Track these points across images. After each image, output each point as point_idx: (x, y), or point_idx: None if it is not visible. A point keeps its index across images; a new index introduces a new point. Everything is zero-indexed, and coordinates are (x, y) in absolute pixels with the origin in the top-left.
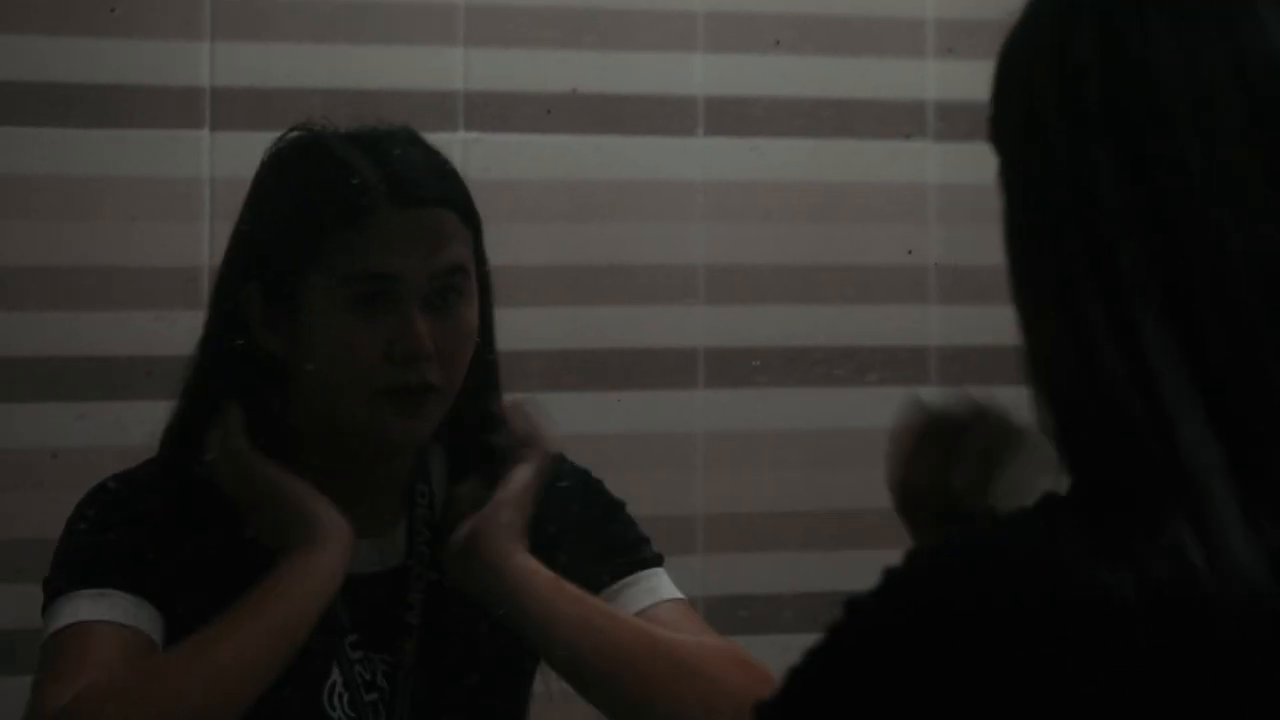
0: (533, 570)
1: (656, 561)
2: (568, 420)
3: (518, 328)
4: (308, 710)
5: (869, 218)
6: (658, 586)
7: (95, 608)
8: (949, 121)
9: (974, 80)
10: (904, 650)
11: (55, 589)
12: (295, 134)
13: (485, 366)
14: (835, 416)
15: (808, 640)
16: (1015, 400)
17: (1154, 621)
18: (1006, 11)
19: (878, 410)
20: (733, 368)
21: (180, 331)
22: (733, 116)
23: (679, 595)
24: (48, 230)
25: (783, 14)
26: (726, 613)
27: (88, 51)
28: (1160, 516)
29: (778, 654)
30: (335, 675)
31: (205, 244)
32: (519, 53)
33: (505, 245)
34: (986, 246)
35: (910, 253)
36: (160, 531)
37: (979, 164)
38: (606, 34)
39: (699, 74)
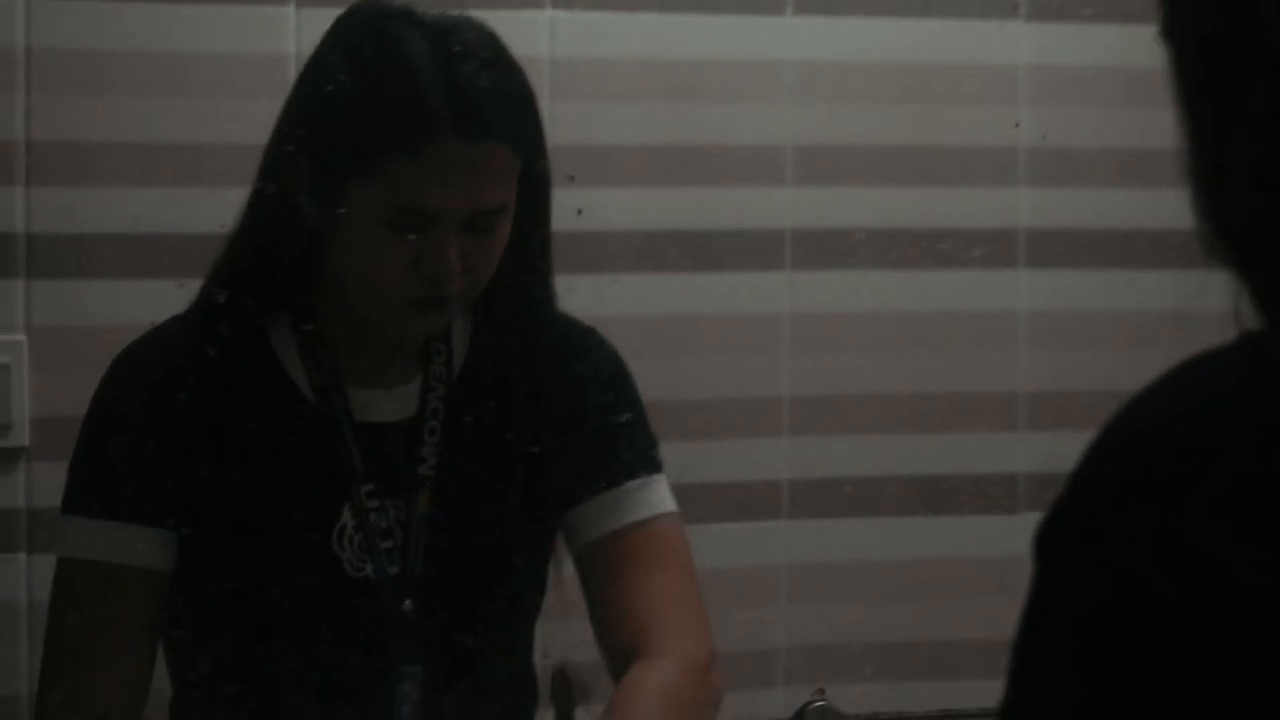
0: None
1: (659, 468)
2: (655, 302)
3: (605, 208)
4: (315, 550)
5: (956, 99)
6: (657, 497)
7: (103, 544)
8: (1040, 1)
9: None
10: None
11: (68, 502)
12: (372, 8)
13: (534, 252)
14: (923, 299)
15: (888, 523)
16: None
17: None
18: None
19: (967, 293)
20: (820, 249)
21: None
22: None
23: (675, 509)
24: (136, 106)
25: None
26: (813, 494)
27: None
28: None
29: (866, 534)
30: (346, 519)
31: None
32: None
33: (591, 125)
34: (1074, 127)
35: (1018, 126)
36: (179, 403)
37: (1071, 44)
38: None
39: None
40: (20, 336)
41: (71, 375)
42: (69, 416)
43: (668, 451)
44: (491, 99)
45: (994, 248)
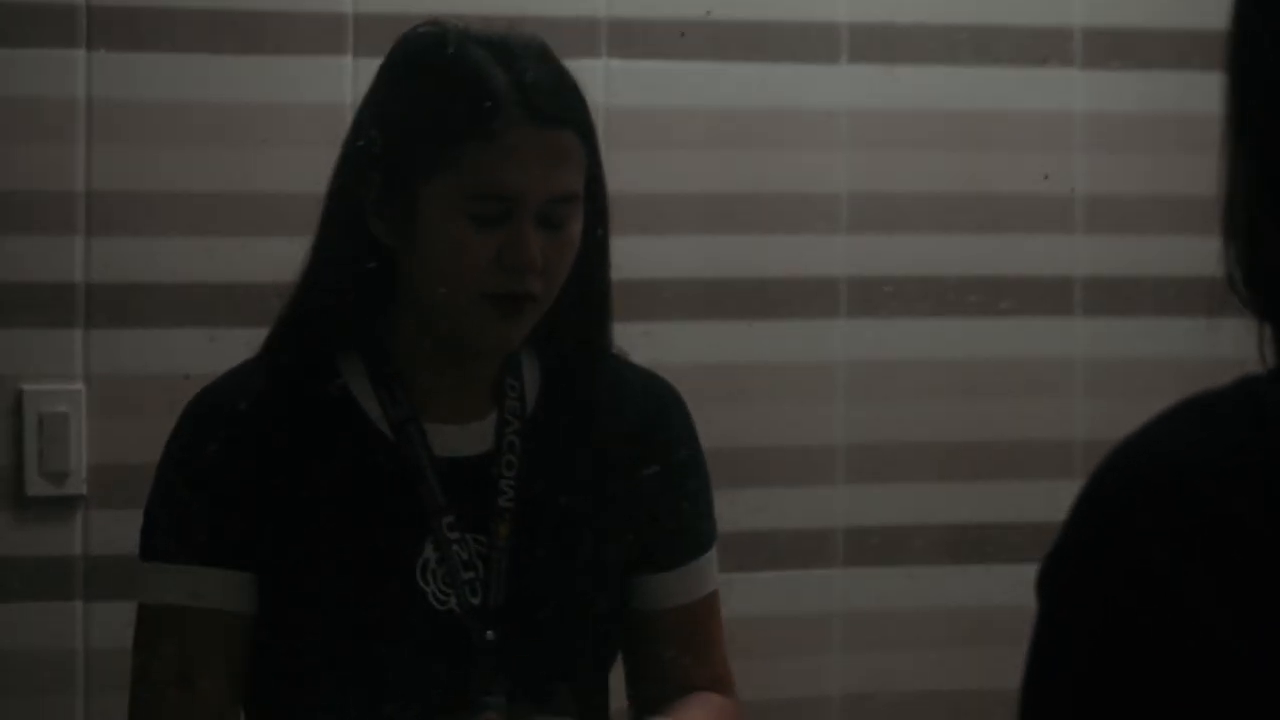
0: None
1: (714, 538)
2: (710, 349)
3: (659, 256)
4: (401, 584)
5: (1012, 146)
6: (716, 569)
7: (184, 589)
8: (1094, 48)
9: (1118, 6)
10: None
11: (147, 548)
12: (426, 29)
13: (595, 287)
14: (976, 346)
15: (943, 571)
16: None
17: None
18: None
19: (1019, 341)
20: (874, 297)
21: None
22: (876, 43)
23: (717, 585)
24: (197, 156)
25: None
26: (867, 541)
27: None
28: None
29: (912, 585)
30: (429, 552)
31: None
32: None
33: (646, 173)
34: (1129, 175)
35: (1047, 178)
36: (255, 445)
37: (1123, 91)
38: None
39: (843, 1)
40: (79, 385)
41: (129, 424)
42: (126, 464)
43: (723, 498)
44: (553, 87)
45: (1050, 295)
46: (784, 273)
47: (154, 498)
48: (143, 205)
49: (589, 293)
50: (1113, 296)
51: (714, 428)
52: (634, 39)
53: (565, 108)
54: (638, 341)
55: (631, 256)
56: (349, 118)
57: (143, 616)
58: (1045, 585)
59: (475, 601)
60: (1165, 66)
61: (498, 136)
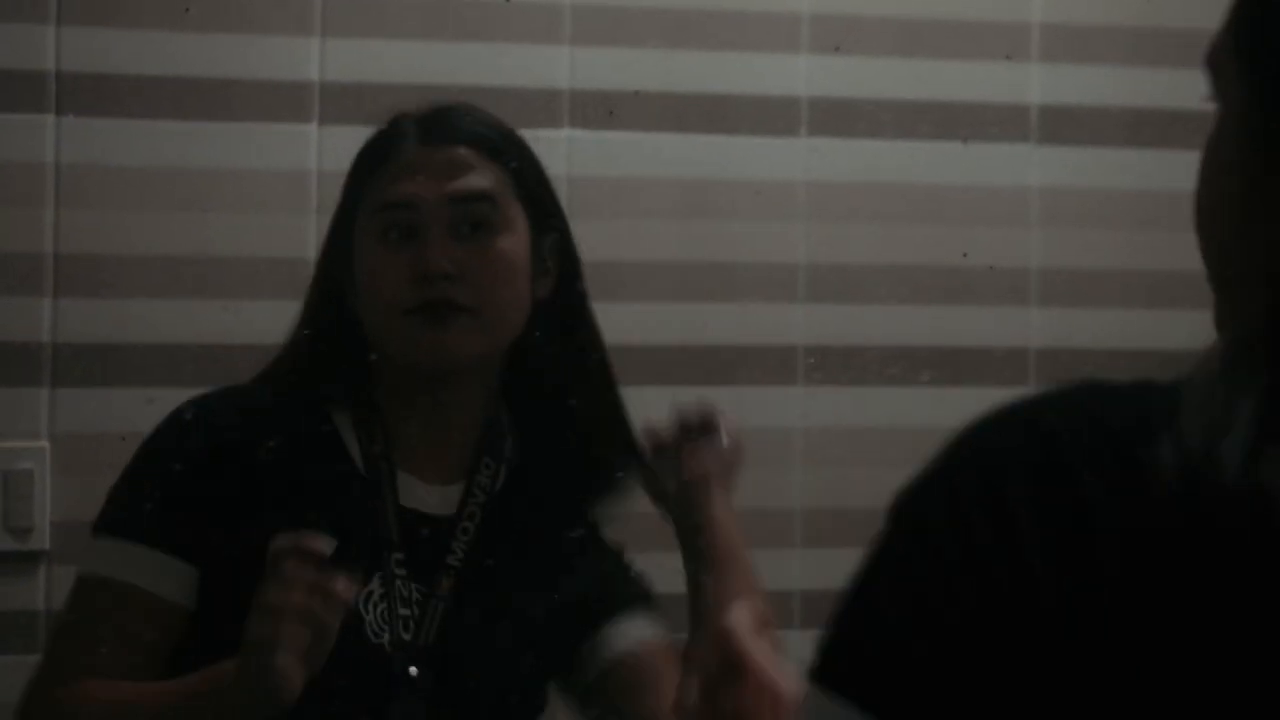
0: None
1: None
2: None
3: (622, 323)
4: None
5: (968, 220)
6: (648, 627)
7: (125, 563)
8: (1052, 125)
9: (1076, 84)
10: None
11: (98, 524)
12: None
13: (584, 361)
14: (933, 415)
15: None
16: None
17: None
18: (1113, 18)
19: (976, 410)
20: (833, 365)
21: (288, 320)
22: (836, 118)
23: (661, 638)
24: (161, 220)
25: (887, 17)
26: (822, 608)
27: (204, 47)
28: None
29: None
30: (375, 585)
31: (312, 236)
32: (625, 51)
33: (608, 242)
34: (1086, 249)
35: (992, 268)
36: (231, 449)
37: (1080, 168)
38: (712, 35)
39: (803, 75)
40: (44, 443)
41: (92, 481)
42: (88, 520)
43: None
44: (454, 115)
45: (1005, 366)
46: (743, 341)
47: (119, 481)
48: (108, 268)
49: (584, 372)
50: (1066, 367)
51: None
52: (596, 110)
53: (462, 129)
54: None
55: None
56: (313, 185)
57: (76, 584)
58: (895, 508)
59: (407, 638)
60: (1118, 144)
61: (396, 157)
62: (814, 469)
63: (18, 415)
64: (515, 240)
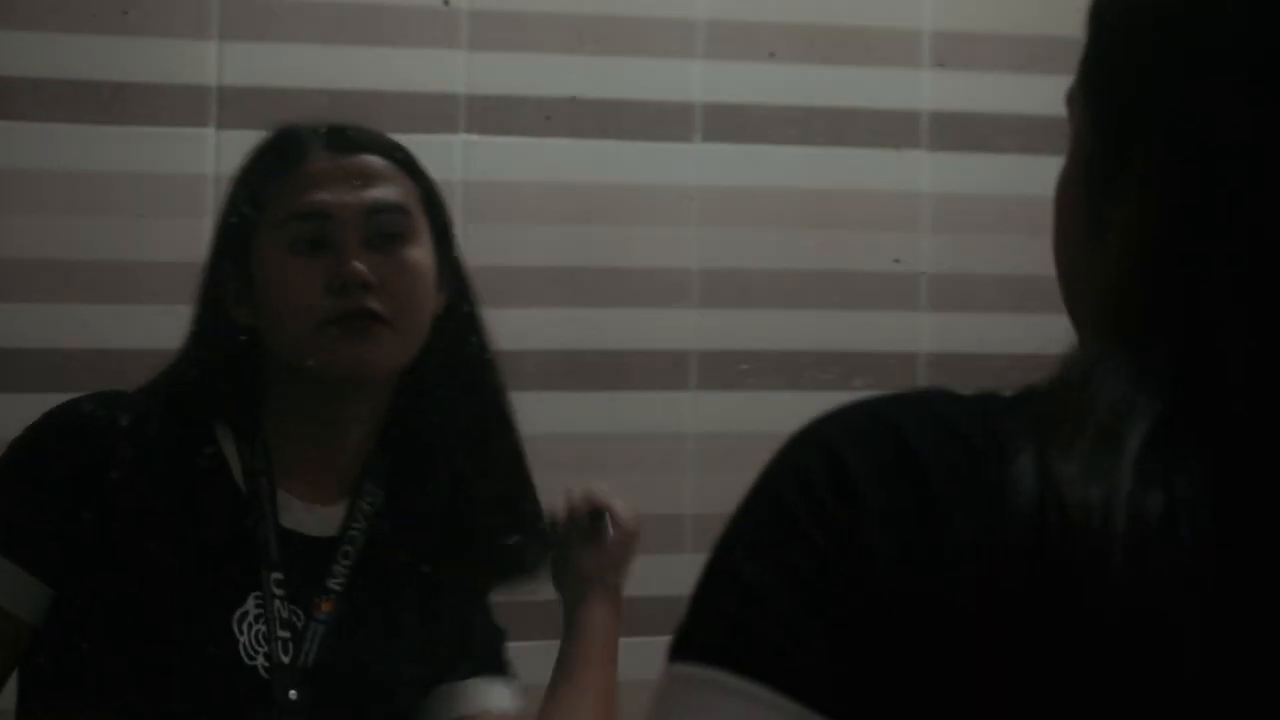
0: (602, 626)
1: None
2: (563, 420)
3: (515, 328)
4: (211, 629)
5: (860, 225)
6: (499, 696)
7: None
8: (941, 132)
9: (965, 91)
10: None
11: None
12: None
13: (465, 363)
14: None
15: None
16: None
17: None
18: (998, 26)
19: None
20: (724, 370)
21: (184, 325)
22: (729, 123)
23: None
24: (57, 224)
25: (779, 23)
26: None
27: (100, 50)
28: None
29: None
30: (250, 605)
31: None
32: (520, 57)
33: (502, 246)
34: (973, 255)
35: (898, 261)
36: (102, 462)
37: (969, 174)
38: (606, 40)
39: (697, 81)
40: None
41: None
42: None
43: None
44: (362, 129)
45: (895, 370)
46: (637, 345)
47: None
48: (3, 272)
49: (454, 360)
50: (955, 371)
51: (558, 499)
52: (491, 116)
53: (370, 139)
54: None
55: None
56: (211, 189)
57: None
58: (756, 483)
59: (285, 660)
60: (1010, 150)
61: (303, 166)
62: (706, 474)
63: None
64: (423, 252)
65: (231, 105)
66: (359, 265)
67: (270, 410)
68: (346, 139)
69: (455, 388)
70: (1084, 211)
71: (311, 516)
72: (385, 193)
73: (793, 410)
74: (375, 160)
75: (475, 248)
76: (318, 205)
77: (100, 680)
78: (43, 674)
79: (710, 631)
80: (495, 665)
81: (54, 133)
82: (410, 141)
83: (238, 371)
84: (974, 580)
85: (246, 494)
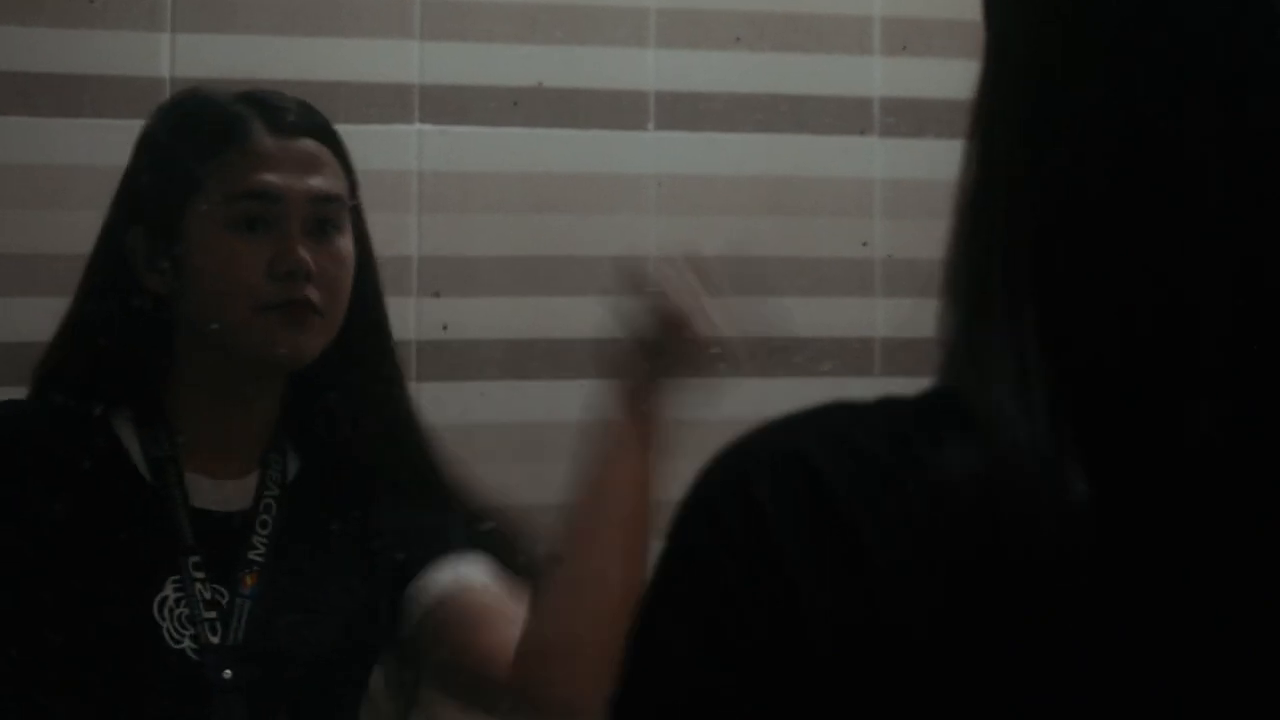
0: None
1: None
2: (522, 410)
3: (474, 317)
4: (133, 618)
5: (818, 212)
6: (469, 567)
7: None
8: (895, 118)
9: (919, 77)
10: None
11: None
12: (174, 95)
13: (366, 341)
14: (783, 405)
15: None
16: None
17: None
18: (950, 12)
19: (824, 399)
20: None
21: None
22: (685, 111)
23: (488, 581)
24: (13, 218)
25: (736, 11)
26: None
27: (54, 42)
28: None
29: None
30: (169, 591)
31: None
32: (475, 46)
33: (457, 236)
34: (930, 240)
35: (865, 244)
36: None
37: (923, 159)
38: (561, 29)
39: (652, 69)
40: None
41: None
42: None
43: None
44: (299, 108)
45: (851, 357)
46: (593, 335)
47: None
48: None
49: (360, 346)
50: (911, 356)
51: (524, 486)
52: (446, 105)
53: (309, 121)
54: (451, 405)
55: (441, 322)
56: None
57: None
58: (671, 530)
59: (215, 640)
60: (961, 136)
61: (248, 144)
62: (676, 463)
63: None
64: (349, 242)
65: None
66: (304, 254)
67: (177, 385)
68: (289, 120)
69: (355, 358)
70: (962, 203)
71: (222, 493)
72: (326, 182)
73: (750, 399)
74: (315, 146)
75: (432, 238)
76: (268, 186)
77: (29, 686)
78: None
79: (645, 712)
80: (461, 544)
81: (9, 125)
82: (366, 132)
83: (139, 346)
84: (898, 596)
85: (152, 481)
